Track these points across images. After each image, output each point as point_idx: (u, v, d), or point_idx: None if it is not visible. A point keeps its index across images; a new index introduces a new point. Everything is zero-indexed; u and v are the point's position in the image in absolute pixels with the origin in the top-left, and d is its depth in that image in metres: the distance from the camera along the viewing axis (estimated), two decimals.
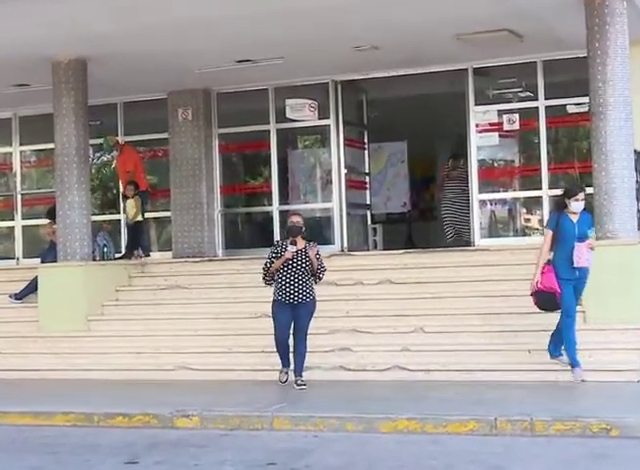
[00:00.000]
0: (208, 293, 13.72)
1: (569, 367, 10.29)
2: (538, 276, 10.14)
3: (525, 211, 15.23)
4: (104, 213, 16.88)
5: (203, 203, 15.87)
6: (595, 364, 10.48)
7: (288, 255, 10.67)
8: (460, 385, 10.51)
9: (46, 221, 15.34)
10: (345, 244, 15.27)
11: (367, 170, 16.30)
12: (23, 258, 17.19)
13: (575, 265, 10.10)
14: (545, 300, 10.16)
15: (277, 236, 15.10)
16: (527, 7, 11.81)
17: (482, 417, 8.56)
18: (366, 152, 16.25)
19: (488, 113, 14.75)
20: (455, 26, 12.62)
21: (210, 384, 11.47)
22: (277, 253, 10.82)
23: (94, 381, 12.11)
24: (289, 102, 15.78)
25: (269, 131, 15.80)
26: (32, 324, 13.65)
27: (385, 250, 15.31)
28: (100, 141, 16.12)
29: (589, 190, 11.38)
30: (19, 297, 14.38)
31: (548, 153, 14.39)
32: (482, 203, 14.80)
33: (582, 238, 10.19)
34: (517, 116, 14.54)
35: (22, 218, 17.51)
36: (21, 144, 17.58)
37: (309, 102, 15.71)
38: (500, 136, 14.79)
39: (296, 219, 10.91)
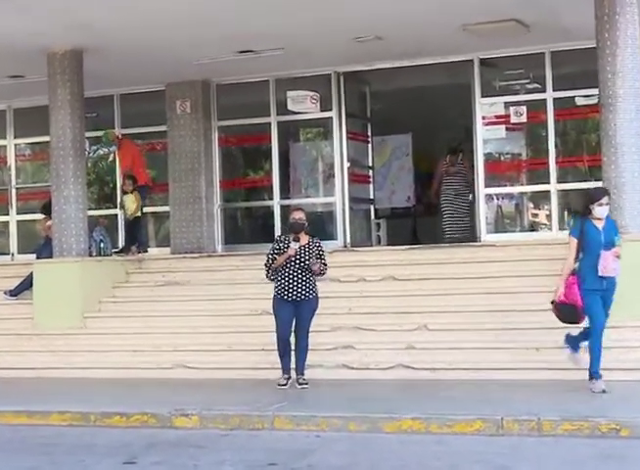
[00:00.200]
0: (208, 289, 13.60)
1: (576, 365, 9.96)
2: (562, 288, 9.63)
3: (532, 205, 15.09)
4: (100, 208, 16.76)
5: (202, 197, 15.72)
6: (607, 363, 10.13)
7: (291, 252, 10.59)
8: (466, 383, 10.43)
9: (41, 216, 15.27)
10: (348, 239, 15.15)
11: (370, 164, 16.16)
12: (18, 253, 17.07)
13: (600, 274, 9.53)
14: (566, 312, 9.64)
15: (278, 231, 14.97)
16: None
17: (489, 417, 8.48)
18: (369, 145, 16.12)
19: (495, 105, 14.64)
20: (461, 16, 12.50)
21: (210, 382, 11.41)
22: (279, 248, 10.71)
23: (90, 379, 12.05)
24: (290, 94, 15.66)
25: (270, 124, 15.66)
26: (27, 321, 13.60)
27: (389, 245, 15.20)
28: (96, 134, 15.98)
29: (599, 184, 11.23)
30: (13, 293, 14.27)
31: (556, 146, 14.26)
32: (489, 197, 14.70)
33: (609, 246, 9.60)
34: (524, 108, 14.42)
35: (17, 213, 17.36)
36: (15, 137, 17.43)
37: (311, 94, 15.59)
38: (507, 129, 14.68)
39: (298, 216, 10.80)
